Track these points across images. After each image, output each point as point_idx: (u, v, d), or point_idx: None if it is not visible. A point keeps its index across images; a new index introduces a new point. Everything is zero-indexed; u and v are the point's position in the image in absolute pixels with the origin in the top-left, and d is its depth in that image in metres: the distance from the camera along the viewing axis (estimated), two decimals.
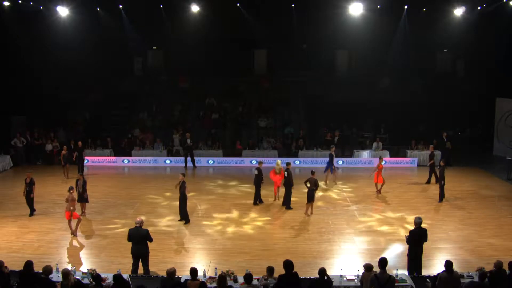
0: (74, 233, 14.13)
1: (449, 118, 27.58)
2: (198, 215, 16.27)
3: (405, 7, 25.84)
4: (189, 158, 24.17)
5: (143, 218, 11.84)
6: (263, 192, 17.87)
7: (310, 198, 16.03)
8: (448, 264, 9.29)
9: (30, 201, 16.12)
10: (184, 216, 15.38)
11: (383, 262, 9.24)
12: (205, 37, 27.36)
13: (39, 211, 16.34)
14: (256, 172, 17.50)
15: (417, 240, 11.12)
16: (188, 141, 24.02)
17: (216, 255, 12.85)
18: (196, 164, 24.24)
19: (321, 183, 19.10)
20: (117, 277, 9.03)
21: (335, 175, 20.76)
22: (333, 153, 21.03)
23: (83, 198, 15.89)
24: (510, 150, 23.21)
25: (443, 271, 9.31)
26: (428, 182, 20.45)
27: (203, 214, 16.39)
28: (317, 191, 16.57)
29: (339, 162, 24.41)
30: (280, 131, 27.93)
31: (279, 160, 19.02)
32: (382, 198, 18.38)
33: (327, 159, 24.30)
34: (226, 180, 21.39)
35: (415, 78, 29.67)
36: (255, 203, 17.50)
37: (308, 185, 16.06)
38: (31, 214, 16.04)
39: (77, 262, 12.33)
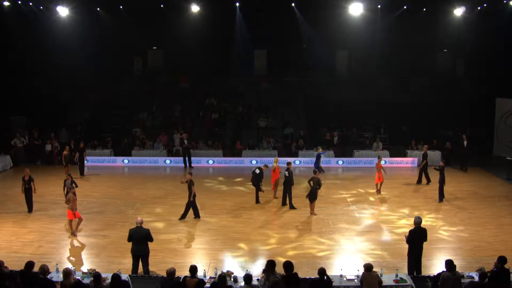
0: (74, 233, 14.13)
1: (449, 118, 27.61)
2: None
3: (404, 7, 25.84)
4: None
5: (143, 218, 11.87)
6: (262, 191, 17.91)
7: (313, 197, 16.05)
8: (450, 263, 9.28)
9: (30, 198, 16.12)
10: (184, 213, 15.59)
11: (271, 264, 9.11)
12: (205, 37, 27.36)
13: (39, 211, 16.32)
14: (257, 171, 17.50)
15: (417, 240, 11.11)
16: (185, 141, 24.04)
17: (216, 255, 12.85)
18: (196, 164, 24.25)
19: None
20: (115, 277, 9.01)
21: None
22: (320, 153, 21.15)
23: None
24: (510, 150, 23.19)
25: (445, 271, 9.30)
26: (419, 182, 20.38)
27: (202, 214, 16.38)
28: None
29: (339, 162, 24.44)
30: (280, 131, 27.94)
31: (276, 158, 19.09)
32: (382, 198, 18.38)
33: (327, 159, 24.37)
34: (225, 180, 21.39)
35: (415, 78, 29.67)
36: (258, 202, 17.62)
37: (312, 184, 16.09)
38: (31, 211, 16.05)
39: (77, 262, 12.33)
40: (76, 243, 13.70)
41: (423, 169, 20.28)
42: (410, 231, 11.23)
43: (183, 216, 15.59)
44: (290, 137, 27.15)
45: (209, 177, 22.52)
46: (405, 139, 25.92)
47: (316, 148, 22.32)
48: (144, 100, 29.90)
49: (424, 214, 15.95)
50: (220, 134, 27.67)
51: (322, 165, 20.88)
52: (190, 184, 15.32)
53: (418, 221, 11.19)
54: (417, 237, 11.10)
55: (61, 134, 26.11)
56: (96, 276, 9.16)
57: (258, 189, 17.60)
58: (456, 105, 27.59)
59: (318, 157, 20.77)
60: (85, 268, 11.48)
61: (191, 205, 15.52)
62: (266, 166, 18.18)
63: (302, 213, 16.40)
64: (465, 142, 23.46)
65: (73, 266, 10.75)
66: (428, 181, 20.17)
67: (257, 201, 17.62)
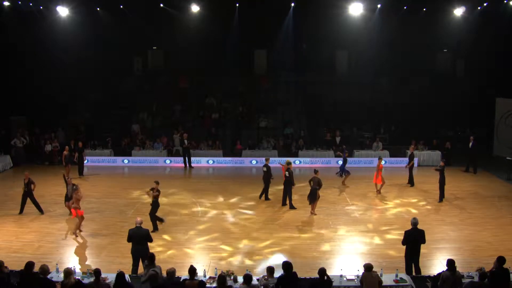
0: (74, 233, 14.13)
1: (449, 118, 27.59)
2: (197, 216, 16.27)
3: (405, 7, 25.83)
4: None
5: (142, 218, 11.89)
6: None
7: (313, 197, 16.03)
8: (451, 262, 9.27)
9: (24, 202, 16.02)
10: (153, 224, 14.52)
11: (151, 257, 9.77)
12: (205, 37, 27.36)
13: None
14: (265, 169, 17.85)
15: (413, 240, 11.01)
16: (186, 141, 24.05)
17: (216, 255, 12.85)
18: (196, 164, 24.26)
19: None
20: (120, 275, 8.94)
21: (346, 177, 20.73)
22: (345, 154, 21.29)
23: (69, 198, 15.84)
24: (510, 150, 23.18)
25: (445, 270, 9.30)
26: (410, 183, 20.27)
27: (202, 215, 16.39)
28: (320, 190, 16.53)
29: (339, 162, 24.39)
30: (280, 131, 27.94)
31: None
32: (382, 198, 18.37)
33: (327, 159, 24.43)
34: (225, 180, 21.39)
35: (415, 78, 29.66)
36: (260, 198, 17.96)
37: (312, 184, 16.08)
38: (20, 212, 16.00)
39: (77, 262, 12.32)
40: (76, 243, 13.70)
41: (410, 170, 20.28)
42: (406, 232, 11.14)
43: (154, 228, 14.43)
44: (290, 137, 27.15)
45: (209, 177, 22.51)
46: (404, 139, 25.89)
47: (345, 151, 22.13)
48: (144, 100, 29.89)
49: (424, 214, 15.95)
50: (220, 134, 27.67)
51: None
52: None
53: (414, 222, 11.09)
54: (413, 238, 11.00)
55: (59, 134, 26.12)
56: (96, 272, 9.16)
57: (267, 187, 17.86)
58: (456, 105, 27.60)
59: (345, 159, 20.90)
60: (85, 268, 11.47)
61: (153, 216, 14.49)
62: (267, 159, 18.55)
63: (302, 213, 16.40)
64: (470, 144, 22.87)
65: (73, 266, 10.74)
66: (409, 182, 20.18)
67: (260, 197, 17.95)
